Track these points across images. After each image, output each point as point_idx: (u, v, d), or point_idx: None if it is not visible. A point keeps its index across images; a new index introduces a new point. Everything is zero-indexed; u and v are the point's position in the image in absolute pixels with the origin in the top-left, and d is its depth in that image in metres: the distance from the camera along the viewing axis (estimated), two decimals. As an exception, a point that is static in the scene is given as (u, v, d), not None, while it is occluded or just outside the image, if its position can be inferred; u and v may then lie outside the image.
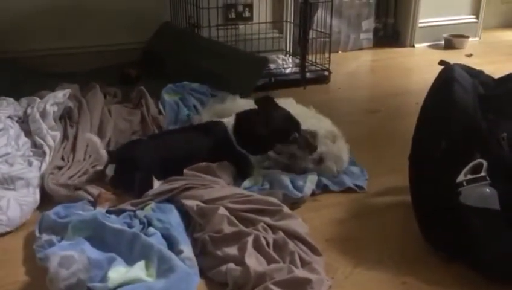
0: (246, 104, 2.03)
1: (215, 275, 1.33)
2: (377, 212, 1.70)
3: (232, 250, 1.36)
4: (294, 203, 1.71)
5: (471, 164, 1.30)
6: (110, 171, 1.70)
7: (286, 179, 1.75)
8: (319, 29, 3.15)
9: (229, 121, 1.83)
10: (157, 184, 1.67)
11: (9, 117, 2.08)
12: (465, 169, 1.30)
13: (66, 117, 2.14)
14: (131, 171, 1.66)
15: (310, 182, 1.77)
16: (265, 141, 1.79)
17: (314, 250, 1.41)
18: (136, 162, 1.69)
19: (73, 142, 2.00)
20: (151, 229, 1.44)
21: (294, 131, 1.77)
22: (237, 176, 1.80)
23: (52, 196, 1.69)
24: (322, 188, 1.80)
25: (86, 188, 1.69)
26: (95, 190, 1.68)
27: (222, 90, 2.49)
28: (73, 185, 1.70)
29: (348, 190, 1.82)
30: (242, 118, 1.82)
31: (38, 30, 2.95)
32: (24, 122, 2.09)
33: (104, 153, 1.73)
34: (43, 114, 2.06)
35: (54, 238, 1.41)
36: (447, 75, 1.51)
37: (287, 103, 1.99)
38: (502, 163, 1.30)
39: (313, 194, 1.78)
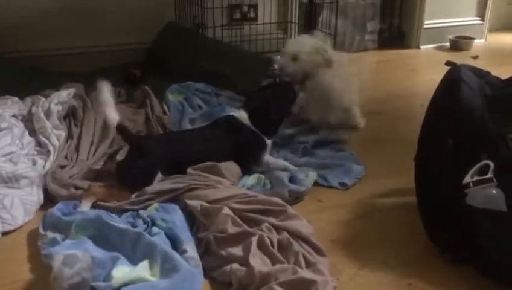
0: None
1: (220, 275, 1.33)
2: (382, 214, 1.69)
3: (237, 250, 1.36)
4: (297, 198, 1.72)
5: (478, 165, 1.29)
6: (121, 155, 1.69)
7: (285, 176, 1.79)
8: (324, 30, 3.15)
9: (241, 114, 1.91)
10: (158, 180, 1.68)
11: (14, 116, 2.08)
12: (472, 170, 1.28)
13: (70, 116, 2.14)
14: (136, 162, 1.66)
15: (310, 178, 1.81)
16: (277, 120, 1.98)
17: (318, 251, 1.40)
18: (142, 153, 1.68)
19: (78, 141, 2.00)
20: (155, 229, 1.44)
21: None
22: (249, 161, 1.87)
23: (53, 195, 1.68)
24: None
25: (85, 187, 1.68)
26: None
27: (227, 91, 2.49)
28: (73, 185, 1.69)
29: (353, 191, 1.82)
30: (254, 107, 1.94)
31: (42, 30, 2.95)
32: (28, 121, 2.09)
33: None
34: (48, 113, 2.06)
35: (58, 236, 1.41)
36: (454, 75, 1.49)
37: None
38: (509, 164, 1.28)
39: (317, 195, 1.78)
